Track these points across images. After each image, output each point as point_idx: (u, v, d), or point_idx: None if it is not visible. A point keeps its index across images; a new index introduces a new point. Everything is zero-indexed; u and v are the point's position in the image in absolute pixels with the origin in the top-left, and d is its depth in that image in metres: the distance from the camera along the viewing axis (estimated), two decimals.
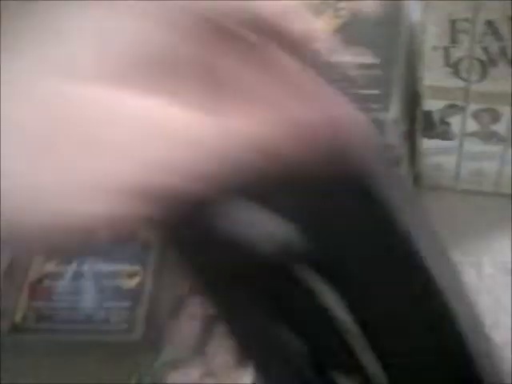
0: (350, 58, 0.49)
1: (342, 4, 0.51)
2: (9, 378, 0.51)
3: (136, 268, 0.55)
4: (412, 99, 0.49)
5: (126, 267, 0.55)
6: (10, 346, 0.54)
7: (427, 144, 0.51)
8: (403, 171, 0.51)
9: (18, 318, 0.54)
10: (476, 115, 0.46)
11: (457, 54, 0.42)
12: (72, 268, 0.56)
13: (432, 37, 0.42)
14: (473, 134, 0.48)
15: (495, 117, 0.46)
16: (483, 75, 0.43)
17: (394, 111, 0.46)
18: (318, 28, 0.24)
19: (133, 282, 0.54)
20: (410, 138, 0.51)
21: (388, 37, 0.49)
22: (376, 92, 0.47)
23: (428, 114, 0.48)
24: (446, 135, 0.49)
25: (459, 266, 0.49)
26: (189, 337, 0.48)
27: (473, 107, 0.46)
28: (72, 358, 0.53)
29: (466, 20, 0.41)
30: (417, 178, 0.55)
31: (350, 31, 0.50)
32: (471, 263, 0.51)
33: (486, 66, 0.42)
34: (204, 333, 0.47)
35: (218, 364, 0.46)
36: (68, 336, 0.52)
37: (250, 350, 0.26)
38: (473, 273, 0.50)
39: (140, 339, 0.51)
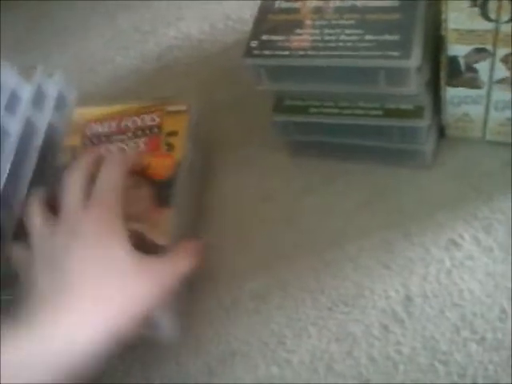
0: (366, 1, 0.46)
1: None
2: None
3: None
4: (435, 44, 0.45)
5: None
6: None
7: (453, 93, 0.47)
8: (427, 122, 0.48)
9: None
10: (506, 60, 0.43)
11: None
12: None
13: None
14: (502, 81, 0.44)
15: None
16: None
17: (415, 58, 0.42)
18: None
19: None
20: (435, 87, 0.48)
21: None
22: (396, 38, 0.43)
23: (453, 60, 0.44)
24: (473, 83, 0.46)
25: (487, 223, 0.47)
26: None
27: (502, 51, 0.42)
28: None
29: None
30: (442, 129, 0.52)
31: None
32: (499, 220, 0.48)
33: None
34: None
35: None
36: None
37: None
38: (502, 230, 0.48)
39: None
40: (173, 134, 0.55)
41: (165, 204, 0.50)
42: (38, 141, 0.58)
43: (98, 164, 0.48)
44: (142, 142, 0.55)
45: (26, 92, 0.58)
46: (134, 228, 0.46)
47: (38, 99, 0.60)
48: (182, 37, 0.71)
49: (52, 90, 0.63)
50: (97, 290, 0.41)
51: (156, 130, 0.55)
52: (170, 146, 0.54)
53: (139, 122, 0.56)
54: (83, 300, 0.41)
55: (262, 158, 0.57)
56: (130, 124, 0.57)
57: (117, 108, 0.60)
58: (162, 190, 0.50)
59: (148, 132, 0.55)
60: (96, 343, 0.40)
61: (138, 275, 0.43)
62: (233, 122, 0.61)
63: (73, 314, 0.40)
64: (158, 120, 0.56)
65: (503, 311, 0.44)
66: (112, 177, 0.46)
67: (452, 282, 0.46)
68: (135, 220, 0.47)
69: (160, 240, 0.47)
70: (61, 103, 0.64)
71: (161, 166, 0.52)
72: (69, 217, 0.45)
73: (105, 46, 0.75)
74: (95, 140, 0.58)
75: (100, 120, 0.59)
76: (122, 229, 0.44)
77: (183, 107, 0.57)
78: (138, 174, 0.51)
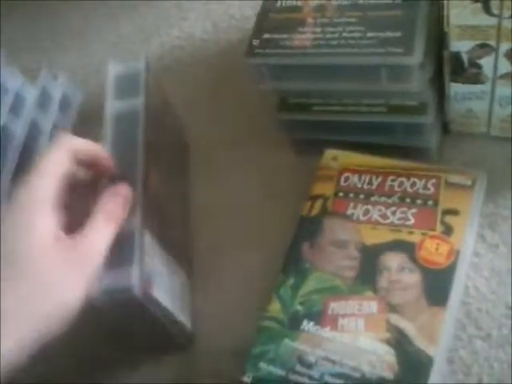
0: None
1: None
2: None
3: None
4: (439, 40, 0.45)
5: None
6: None
7: (456, 89, 0.47)
8: (431, 118, 0.47)
9: None
10: (510, 55, 0.42)
11: None
12: None
13: None
14: (506, 77, 0.44)
15: None
16: None
17: (418, 55, 0.42)
18: None
19: None
20: (438, 83, 0.48)
21: None
22: (398, 34, 0.43)
23: (456, 56, 0.44)
24: (476, 78, 0.45)
25: (493, 219, 0.47)
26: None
27: (505, 46, 0.42)
28: None
29: None
30: (446, 125, 0.52)
31: None
32: (504, 216, 0.48)
33: None
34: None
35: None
36: None
37: None
38: (507, 225, 0.47)
39: None
40: (452, 212, 0.45)
41: (438, 301, 0.42)
42: (43, 142, 0.58)
43: None
44: (410, 213, 0.46)
45: (31, 94, 0.58)
46: (399, 326, 0.42)
47: (43, 101, 0.60)
48: (185, 37, 0.71)
49: (57, 91, 0.63)
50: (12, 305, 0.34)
51: (430, 202, 0.46)
52: (447, 228, 0.44)
53: (408, 187, 0.47)
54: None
55: (267, 156, 0.57)
56: (396, 186, 0.47)
57: (380, 161, 0.49)
58: (436, 283, 0.43)
59: (419, 202, 0.46)
60: (7, 359, 0.34)
61: (63, 267, 0.36)
62: (237, 121, 0.61)
63: None
64: (432, 190, 0.47)
65: (508, 307, 0.44)
66: (50, 160, 0.39)
67: None
68: (400, 314, 0.42)
69: (428, 347, 0.41)
70: (66, 105, 0.64)
71: (435, 251, 0.44)
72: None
73: (109, 46, 0.75)
74: (352, 194, 0.48)
75: (358, 171, 0.49)
76: (47, 214, 0.37)
77: (468, 181, 0.47)
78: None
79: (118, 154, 0.45)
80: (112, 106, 0.49)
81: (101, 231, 0.39)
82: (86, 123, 0.64)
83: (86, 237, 0.38)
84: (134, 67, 0.51)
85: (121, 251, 0.40)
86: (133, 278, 0.39)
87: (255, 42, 0.47)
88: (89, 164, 0.42)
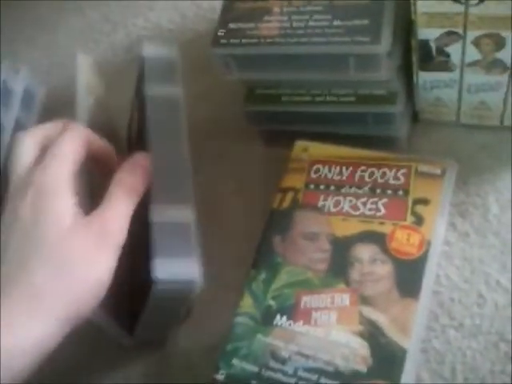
0: None
1: None
2: None
3: None
4: (407, 29, 0.44)
5: None
6: None
7: (425, 77, 0.47)
8: (401, 107, 0.47)
9: None
10: (477, 42, 0.42)
11: None
12: None
13: None
14: (474, 64, 0.44)
15: (499, 43, 0.42)
16: None
17: (385, 43, 0.42)
18: None
19: None
20: (407, 72, 0.47)
21: None
22: (365, 23, 0.42)
23: (424, 44, 0.44)
24: (444, 66, 0.45)
25: (463, 207, 0.47)
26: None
27: (473, 34, 0.41)
28: None
29: None
30: (416, 114, 0.51)
31: None
32: (475, 205, 0.48)
33: None
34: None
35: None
36: None
37: None
38: (477, 213, 0.47)
39: None
40: (422, 202, 0.45)
41: (410, 292, 0.42)
42: (5, 139, 0.57)
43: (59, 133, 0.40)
44: (380, 204, 0.46)
45: None
46: (371, 318, 0.41)
47: (4, 96, 0.58)
48: (152, 27, 0.69)
49: (18, 86, 0.61)
50: (35, 283, 0.35)
51: (401, 192, 0.46)
52: (418, 218, 0.44)
53: (378, 177, 0.46)
54: (20, 299, 0.34)
55: (236, 149, 0.56)
56: (366, 176, 0.47)
57: (350, 151, 0.49)
58: (408, 274, 0.42)
59: (390, 193, 0.46)
60: (46, 341, 0.35)
61: (85, 244, 0.36)
62: (205, 113, 0.60)
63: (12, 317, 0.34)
64: (403, 179, 0.46)
65: (481, 296, 0.44)
66: (67, 145, 0.39)
67: None
68: (373, 307, 0.42)
69: (401, 339, 0.40)
70: (28, 99, 0.63)
71: (406, 241, 0.44)
72: (13, 191, 0.38)
73: (74, 38, 0.73)
74: (322, 186, 0.48)
75: (329, 162, 0.49)
76: (67, 196, 0.37)
77: (438, 170, 0.46)
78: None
79: (159, 140, 0.44)
80: (150, 91, 0.45)
81: (120, 205, 0.38)
82: (52, 117, 0.63)
83: (103, 211, 0.38)
84: (163, 54, 0.48)
85: (177, 242, 0.39)
86: (196, 271, 0.38)
87: (220, 32, 0.46)
88: (96, 159, 0.42)
